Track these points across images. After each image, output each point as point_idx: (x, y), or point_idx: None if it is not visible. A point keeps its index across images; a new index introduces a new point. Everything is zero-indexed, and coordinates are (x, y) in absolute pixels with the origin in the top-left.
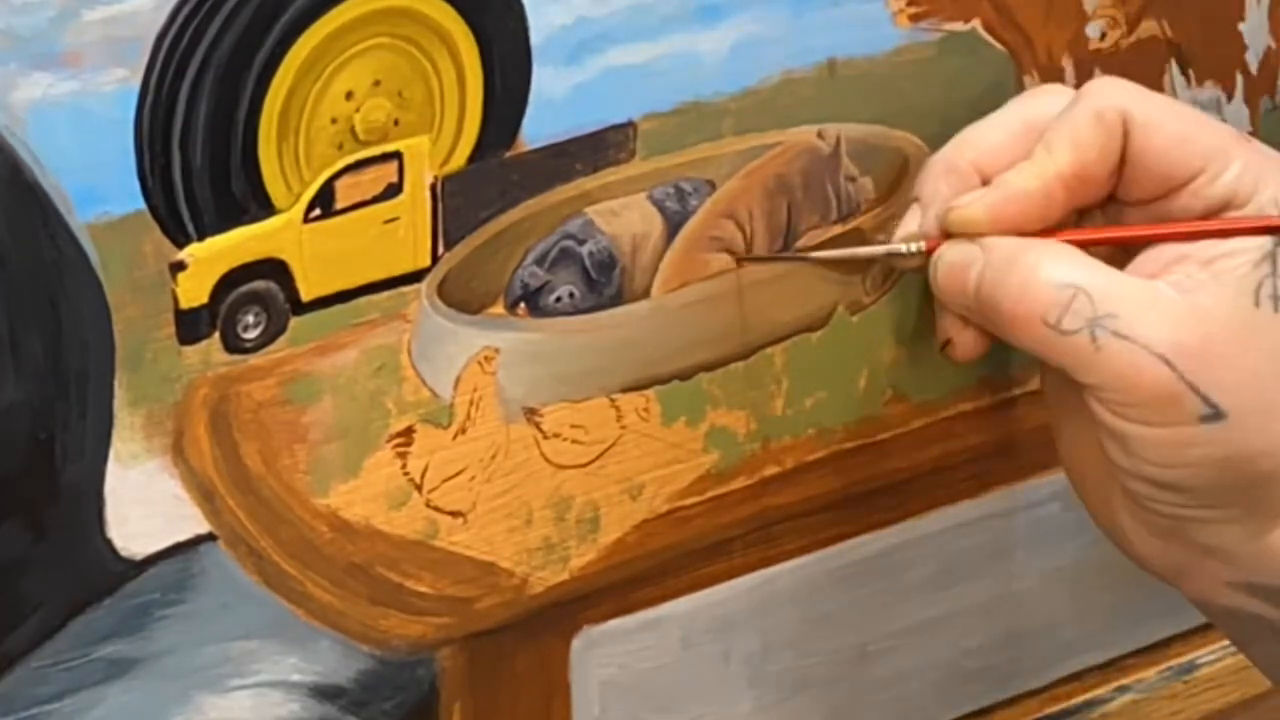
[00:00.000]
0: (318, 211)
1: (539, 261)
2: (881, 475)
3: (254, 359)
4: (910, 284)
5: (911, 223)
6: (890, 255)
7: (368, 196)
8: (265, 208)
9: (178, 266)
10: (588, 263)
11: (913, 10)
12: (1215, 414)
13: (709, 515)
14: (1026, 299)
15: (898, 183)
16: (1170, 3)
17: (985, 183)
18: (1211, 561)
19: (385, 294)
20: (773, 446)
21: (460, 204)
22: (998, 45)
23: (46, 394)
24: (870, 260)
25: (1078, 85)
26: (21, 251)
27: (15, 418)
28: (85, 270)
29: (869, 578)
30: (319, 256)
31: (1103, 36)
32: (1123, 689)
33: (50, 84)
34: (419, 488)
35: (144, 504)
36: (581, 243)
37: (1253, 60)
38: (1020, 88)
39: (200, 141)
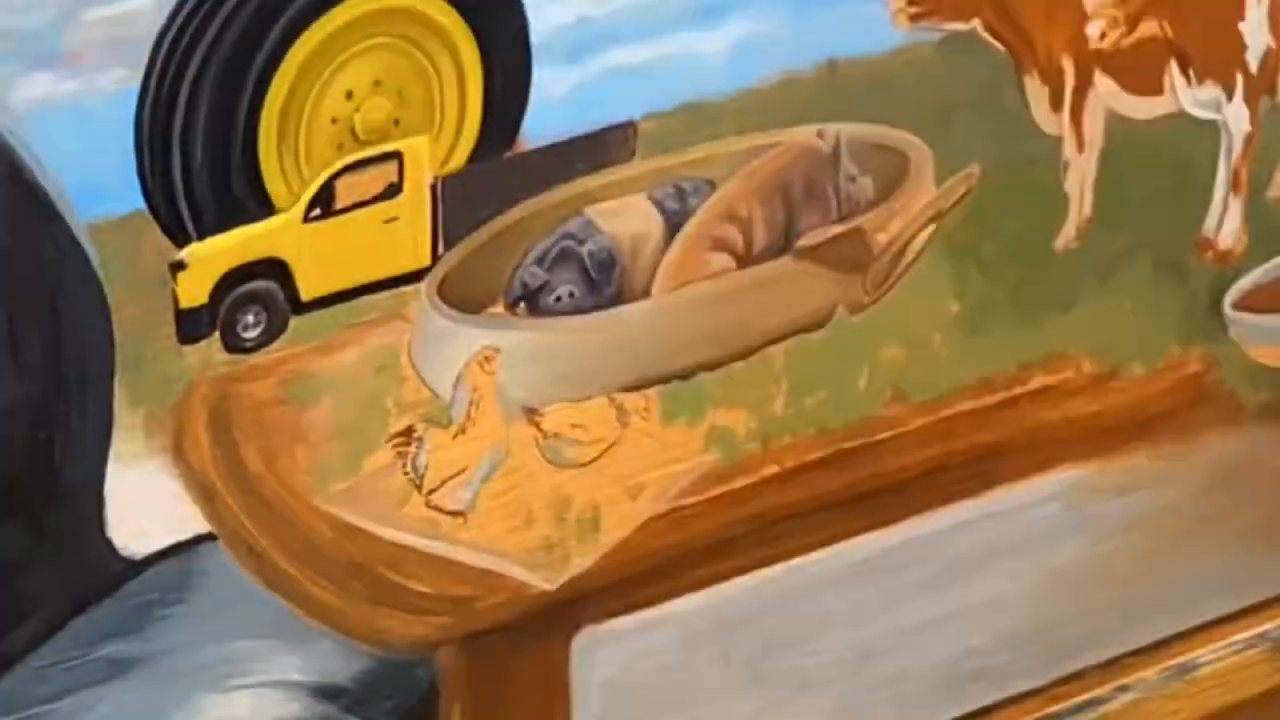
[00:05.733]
0: (318, 211)
1: (539, 261)
2: (881, 475)
3: (254, 359)
4: (910, 284)
5: None
6: None
7: (368, 196)
8: (265, 207)
9: (178, 266)
10: (588, 262)
11: (913, 10)
12: None
13: (709, 515)
14: None
15: (898, 182)
16: (1170, 3)
17: None
18: None
19: (385, 294)
20: (773, 446)
21: (460, 204)
22: (998, 45)
23: (46, 394)
24: None
25: (1078, 85)
26: (21, 251)
27: (15, 418)
28: (85, 270)
29: (869, 578)
30: (319, 256)
31: (1103, 36)
32: (1123, 689)
33: (51, 84)
34: (419, 487)
35: (144, 504)
36: (581, 242)
37: (1253, 60)
38: (1020, 88)
39: (200, 141)
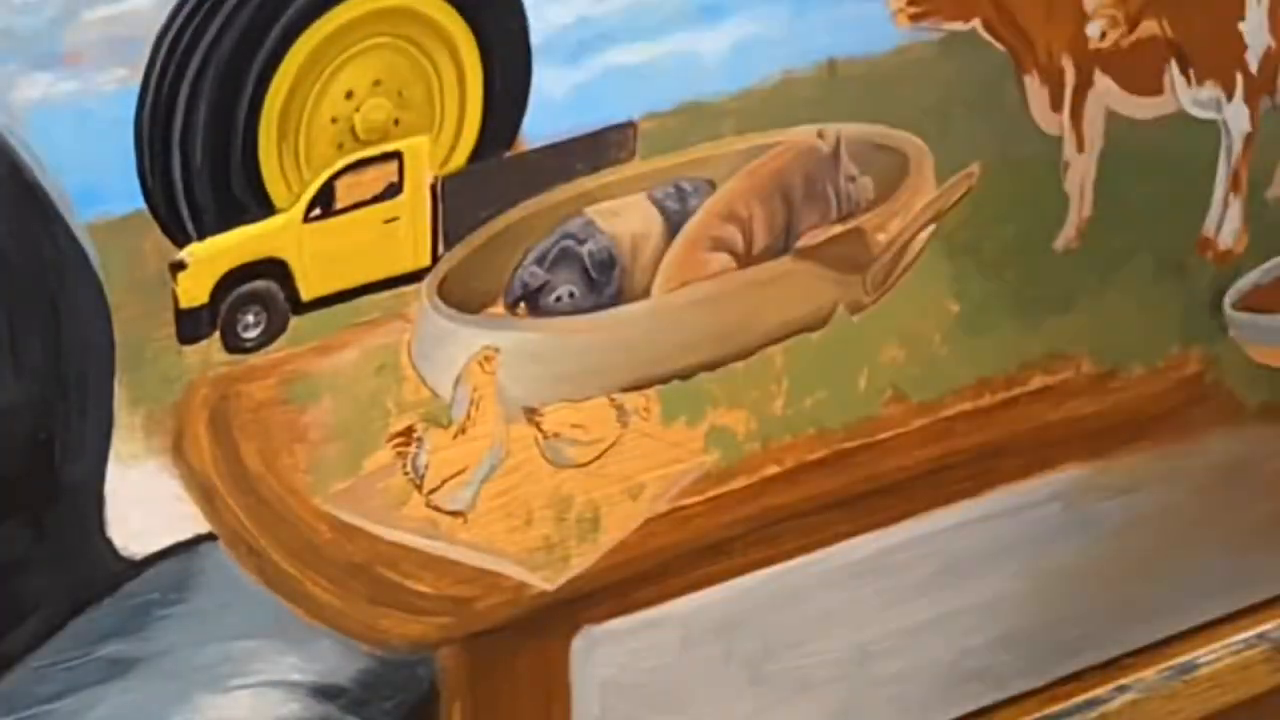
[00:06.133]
0: (318, 211)
1: (539, 261)
2: (881, 475)
3: (254, 359)
4: (910, 284)
5: None
6: None
7: (368, 196)
8: (265, 207)
9: (178, 266)
10: (588, 262)
11: (913, 10)
12: None
13: (709, 515)
14: None
15: (898, 182)
16: (1170, 3)
17: None
18: None
19: (385, 294)
20: (773, 446)
21: (460, 204)
22: (998, 45)
23: (46, 394)
24: None
25: (1078, 85)
26: (21, 251)
27: (15, 418)
28: (85, 270)
29: (869, 578)
30: (319, 256)
31: (1103, 36)
32: (1123, 689)
33: (50, 84)
34: (419, 487)
35: (144, 504)
36: (581, 242)
37: (1253, 60)
38: (1020, 88)
39: (200, 141)
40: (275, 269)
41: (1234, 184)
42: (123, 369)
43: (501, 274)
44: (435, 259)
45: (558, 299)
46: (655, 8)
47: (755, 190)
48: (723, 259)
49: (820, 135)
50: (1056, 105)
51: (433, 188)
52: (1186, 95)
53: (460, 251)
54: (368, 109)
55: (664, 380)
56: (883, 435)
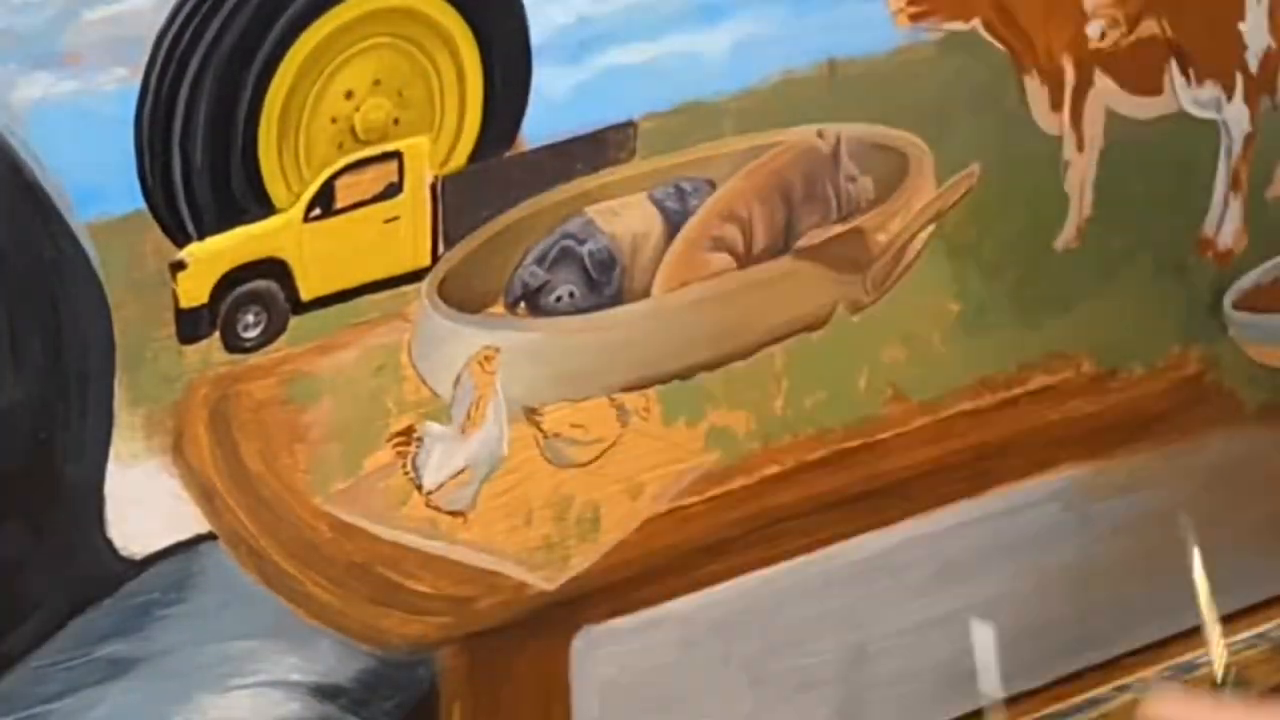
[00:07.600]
0: (318, 211)
1: (539, 261)
2: (881, 475)
3: (254, 358)
4: (910, 284)
5: None
6: None
7: (368, 196)
8: (265, 207)
9: (178, 266)
10: (588, 262)
11: (913, 10)
12: None
13: (709, 515)
14: None
15: (898, 182)
16: (1170, 3)
17: None
18: None
19: (385, 293)
20: (773, 446)
21: (460, 203)
22: (998, 45)
23: (46, 394)
24: None
25: (1077, 85)
26: (21, 251)
27: (15, 418)
28: (85, 270)
29: (869, 578)
30: (319, 256)
31: (1102, 36)
32: (1123, 689)
33: (50, 84)
34: (419, 487)
35: (144, 503)
36: (581, 242)
37: (1253, 60)
38: (1020, 87)
39: (200, 141)
40: (275, 269)
41: (1234, 184)
42: (123, 369)
43: (501, 274)
44: (435, 259)
45: (558, 299)
46: (655, 8)
47: (755, 190)
48: (723, 259)
49: (820, 135)
50: (1056, 105)
51: (433, 188)
52: (1186, 95)
53: (460, 251)
54: (368, 109)
55: (664, 380)
56: (883, 435)
